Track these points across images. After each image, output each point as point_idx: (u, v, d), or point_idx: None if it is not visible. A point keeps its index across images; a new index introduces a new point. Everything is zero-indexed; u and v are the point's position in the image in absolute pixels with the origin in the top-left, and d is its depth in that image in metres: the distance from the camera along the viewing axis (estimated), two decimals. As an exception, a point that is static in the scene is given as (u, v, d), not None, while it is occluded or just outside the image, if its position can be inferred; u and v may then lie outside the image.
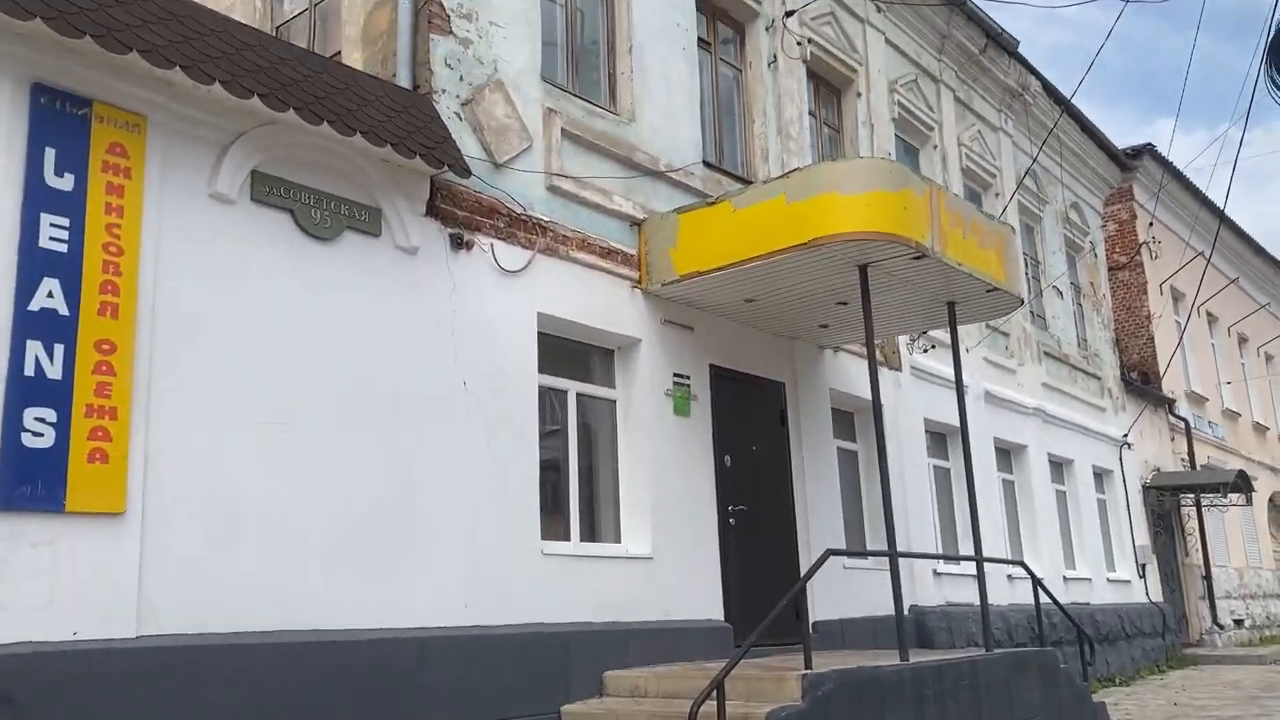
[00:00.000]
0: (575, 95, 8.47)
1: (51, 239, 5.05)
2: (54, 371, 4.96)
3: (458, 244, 7.18)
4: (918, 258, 8.00)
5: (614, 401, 8.56)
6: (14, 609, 4.71)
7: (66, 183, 5.15)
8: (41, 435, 4.87)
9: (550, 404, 8.05)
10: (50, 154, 5.11)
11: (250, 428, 5.77)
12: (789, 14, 10.94)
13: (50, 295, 5.01)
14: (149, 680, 5.04)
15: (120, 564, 5.07)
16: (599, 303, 8.24)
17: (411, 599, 6.39)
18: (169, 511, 5.33)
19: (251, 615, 5.57)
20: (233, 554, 5.56)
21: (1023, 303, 9.80)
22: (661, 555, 8.24)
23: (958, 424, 12.62)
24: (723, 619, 8.66)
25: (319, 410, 6.13)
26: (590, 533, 8.18)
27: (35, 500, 4.81)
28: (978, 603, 11.98)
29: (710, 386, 9.11)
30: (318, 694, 5.71)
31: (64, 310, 5.05)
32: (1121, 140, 20.07)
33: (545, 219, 7.88)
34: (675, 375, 8.79)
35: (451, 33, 7.42)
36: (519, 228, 7.67)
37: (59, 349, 5.00)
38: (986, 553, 9.47)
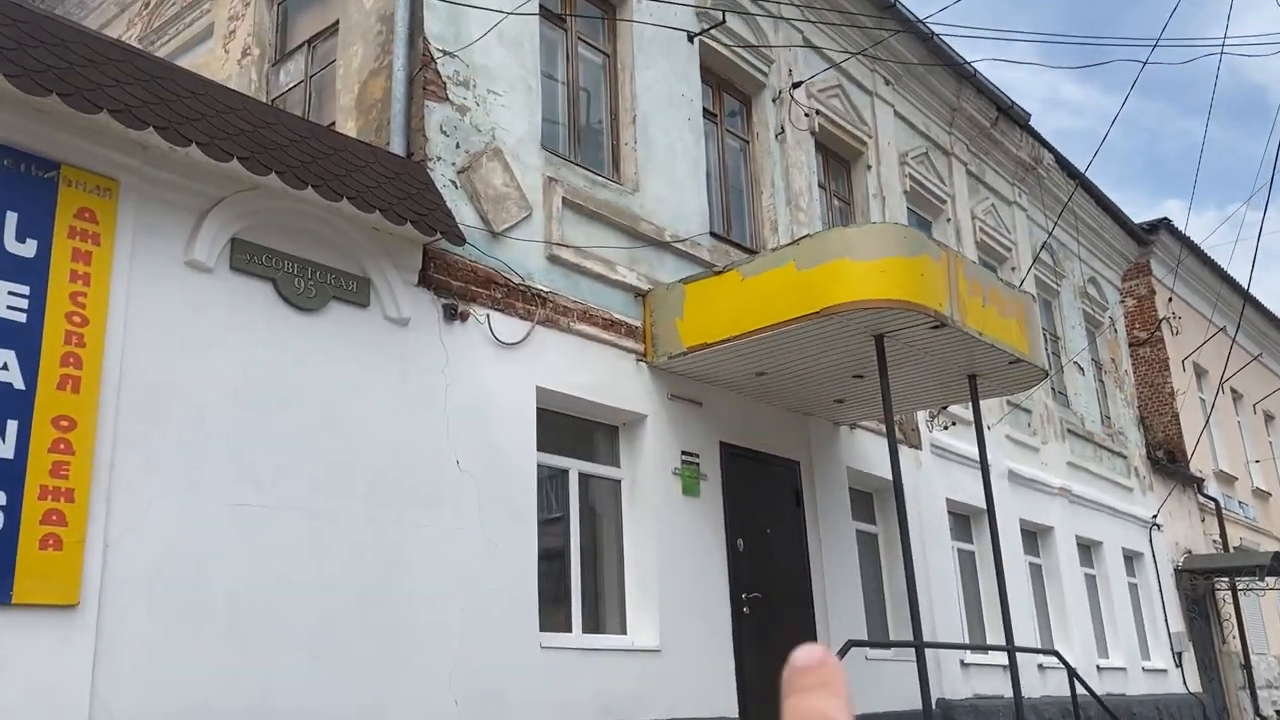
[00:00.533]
0: (577, 164, 8.22)
1: (9, 308, 4.72)
2: (4, 450, 4.58)
3: (452, 315, 6.84)
4: (936, 327, 7.62)
5: (619, 481, 8.12)
6: (-51, 713, 4.26)
7: (28, 249, 4.84)
8: (-12, 519, 4.47)
9: (551, 484, 7.62)
10: (11, 218, 4.81)
11: (223, 510, 5.36)
12: (795, 85, 10.77)
13: (5, 368, 4.66)
14: (98, 793, 4.55)
15: (71, 662, 4.62)
16: (602, 377, 7.86)
17: (397, 696, 5.88)
18: (129, 603, 4.89)
19: (219, 717, 5.08)
20: (199, 649, 5.10)
21: (1047, 375, 9.38)
22: (670, 647, 7.70)
23: (982, 504, 12.11)
24: (737, 716, 8.07)
25: (299, 491, 5.72)
26: (594, 623, 7.67)
27: (-23, 591, 4.39)
28: (1009, 695, 11.29)
29: (721, 465, 8.66)
30: (290, 805, 5.19)
31: (19, 384, 4.69)
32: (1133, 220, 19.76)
33: (545, 289, 7.55)
34: (684, 453, 8.35)
35: (448, 100, 7.19)
36: (517, 298, 7.34)
37: (11, 425, 4.62)
38: (1015, 641, 8.87)
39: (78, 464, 4.79)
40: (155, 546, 5.05)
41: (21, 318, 4.75)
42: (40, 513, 4.62)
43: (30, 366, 4.73)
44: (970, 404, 9.06)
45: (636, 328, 8.27)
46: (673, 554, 7.99)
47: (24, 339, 4.74)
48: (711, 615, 8.16)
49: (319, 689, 5.53)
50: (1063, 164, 16.61)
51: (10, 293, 4.73)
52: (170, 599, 5.05)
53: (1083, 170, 15.84)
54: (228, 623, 5.23)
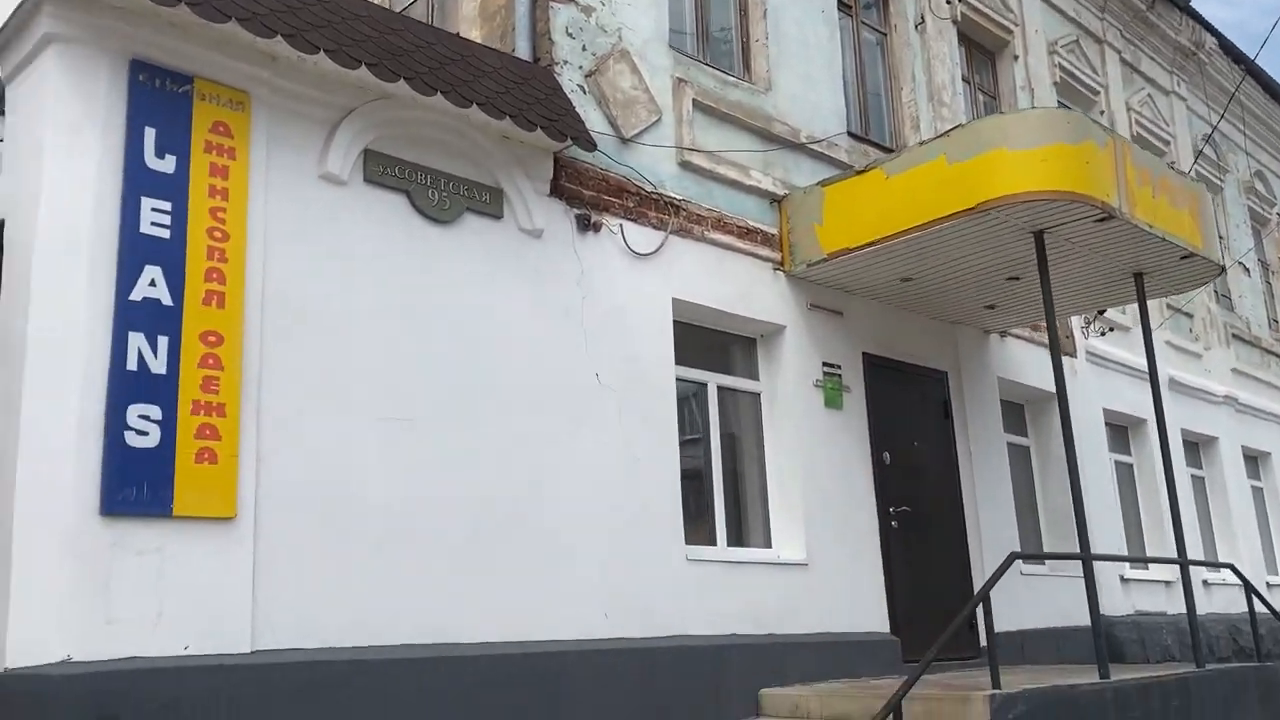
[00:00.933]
0: (706, 64, 7.84)
1: (153, 224, 4.72)
2: (158, 365, 4.61)
3: (585, 225, 6.64)
4: (1102, 220, 7.04)
5: (758, 395, 7.86)
6: (122, 622, 4.36)
7: (168, 165, 4.82)
8: (146, 434, 4.52)
9: (689, 399, 7.42)
10: (150, 134, 4.79)
11: (368, 424, 5.33)
12: (935, -28, 10.05)
13: (153, 284, 4.67)
14: (265, 700, 4.62)
15: (232, 573, 4.68)
16: (738, 287, 7.58)
17: (546, 608, 5.85)
18: (283, 516, 4.93)
19: (374, 628, 5.12)
20: (353, 562, 5.12)
21: (1223, 270, 8.65)
22: (817, 561, 7.49)
23: (1140, 415, 11.50)
24: (888, 631, 7.84)
25: (442, 405, 5.66)
26: (737, 537, 7.50)
27: (140, 504, 4.46)
28: (1170, 611, 10.78)
29: (864, 377, 8.31)
30: (447, 713, 5.21)
31: (167, 300, 4.70)
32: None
33: (678, 197, 7.27)
34: (825, 365, 8.03)
35: (573, 0, 6.90)
36: (650, 207, 7.08)
37: (163, 341, 4.65)
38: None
39: (227, 379, 4.81)
40: (305, 461, 5.06)
41: (165, 234, 4.74)
42: (194, 427, 4.66)
43: (176, 282, 4.74)
44: (1128, 306, 8.47)
45: (773, 235, 7.93)
46: (816, 467, 7.73)
47: (169, 255, 4.74)
48: (858, 529, 7.90)
49: (470, 602, 5.52)
50: (1227, 49, 15.27)
51: (154, 209, 4.72)
52: (322, 513, 5.07)
53: (1253, 57, 14.54)
54: (379, 537, 5.23)
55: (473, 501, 5.66)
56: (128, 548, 4.41)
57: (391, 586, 5.23)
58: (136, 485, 4.45)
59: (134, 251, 4.64)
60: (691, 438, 7.38)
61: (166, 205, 4.77)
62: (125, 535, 4.41)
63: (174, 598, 4.50)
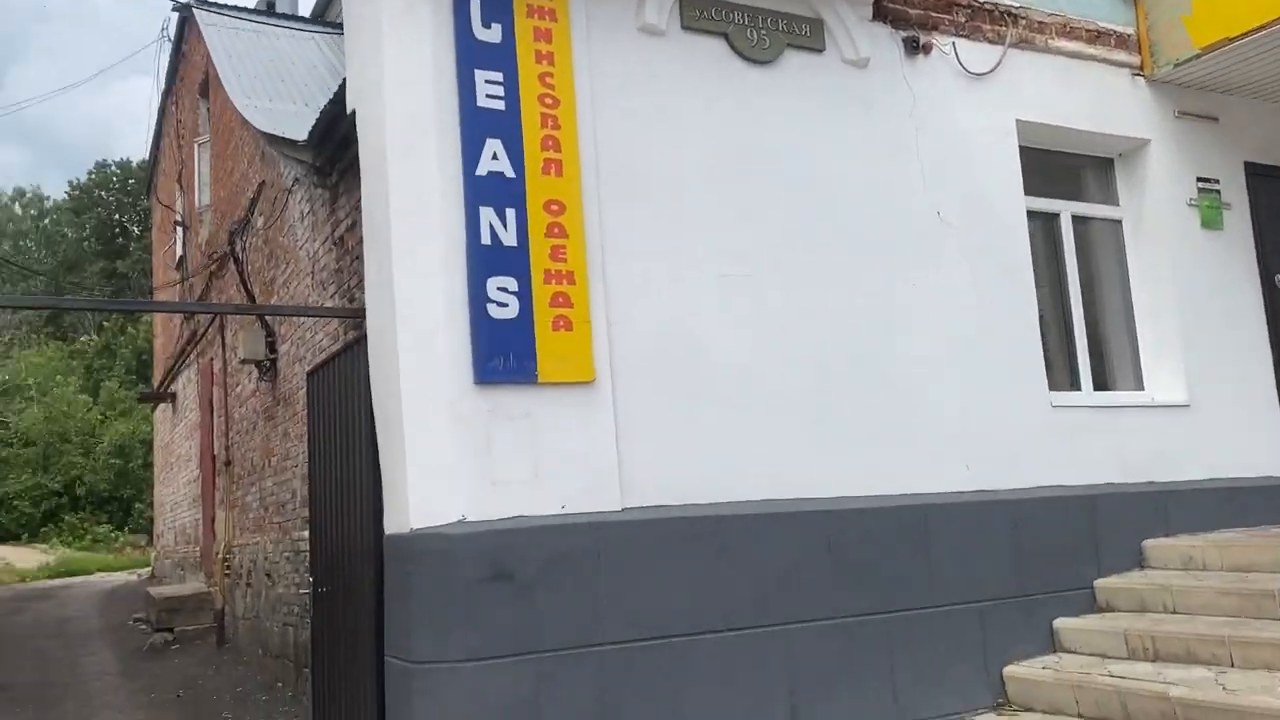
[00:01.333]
0: None
1: (488, 96, 4.73)
2: (509, 238, 4.68)
3: (913, 48, 6.07)
4: None
5: (1118, 222, 7.03)
6: (505, 484, 4.55)
7: (494, 34, 4.79)
8: (505, 305, 4.62)
9: (1040, 233, 6.73)
10: (475, 5, 4.76)
11: (710, 282, 5.21)
12: None
13: (495, 157, 4.70)
14: (637, 555, 4.72)
15: (596, 434, 4.76)
16: (1091, 100, 6.72)
17: (904, 461, 5.58)
18: (638, 378, 4.94)
19: (732, 484, 5.08)
20: (707, 420, 5.08)
21: None
22: (1200, 401, 6.69)
23: None
24: (1286, 475, 6.95)
25: (777, 257, 5.43)
26: (1103, 380, 6.83)
27: (508, 372, 4.59)
28: None
29: (1248, 190, 7.22)
30: (811, 568, 5.13)
31: (510, 172, 4.73)
32: None
33: (1015, 4, 6.48)
34: (1199, 180, 7.03)
35: None
36: (983, 19, 6.37)
37: (510, 214, 4.70)
38: None
39: (572, 246, 4.81)
40: (652, 323, 5.02)
41: (500, 105, 4.74)
42: (548, 296, 4.71)
43: (516, 154, 4.74)
44: None
45: (1129, 36, 6.92)
46: (1194, 297, 6.85)
47: (506, 126, 4.74)
48: (1247, 363, 6.97)
49: (823, 456, 5.36)
50: None
51: (487, 81, 4.72)
52: (673, 374, 5.04)
53: None
54: (731, 392, 5.15)
55: (818, 355, 5.44)
56: (502, 414, 4.57)
57: (744, 443, 5.15)
58: (503, 355, 4.57)
59: (474, 126, 4.68)
60: (1045, 275, 6.72)
61: (498, 76, 4.76)
62: (499, 402, 4.57)
63: (547, 460, 4.64)
